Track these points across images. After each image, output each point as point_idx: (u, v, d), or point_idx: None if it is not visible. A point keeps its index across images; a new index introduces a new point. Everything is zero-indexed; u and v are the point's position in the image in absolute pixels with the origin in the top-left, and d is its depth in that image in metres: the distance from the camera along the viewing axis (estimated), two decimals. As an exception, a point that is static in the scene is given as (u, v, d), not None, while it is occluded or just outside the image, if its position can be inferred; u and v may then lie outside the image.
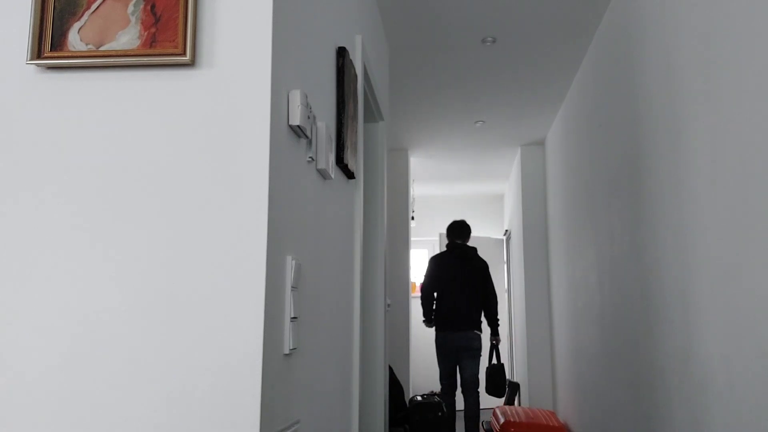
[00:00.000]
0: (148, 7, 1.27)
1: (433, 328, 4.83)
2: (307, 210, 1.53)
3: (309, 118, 1.48)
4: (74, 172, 1.26)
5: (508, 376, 6.59)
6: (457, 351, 4.68)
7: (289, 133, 1.39)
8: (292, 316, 1.34)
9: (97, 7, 1.28)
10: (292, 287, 1.35)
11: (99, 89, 1.29)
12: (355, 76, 2.19)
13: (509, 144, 5.65)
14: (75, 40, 1.27)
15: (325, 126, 1.63)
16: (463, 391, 4.70)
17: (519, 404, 5.94)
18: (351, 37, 2.25)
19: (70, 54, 1.26)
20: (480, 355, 4.73)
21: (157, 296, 1.21)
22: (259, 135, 1.24)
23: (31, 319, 1.22)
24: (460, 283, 4.73)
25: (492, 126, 5.11)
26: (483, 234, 7.79)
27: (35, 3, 1.28)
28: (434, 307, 4.82)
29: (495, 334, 4.85)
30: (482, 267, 4.81)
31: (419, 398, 4.55)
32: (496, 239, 7.28)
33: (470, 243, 5.16)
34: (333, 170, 1.78)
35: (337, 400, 1.89)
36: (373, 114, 2.95)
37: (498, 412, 4.76)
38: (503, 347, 6.66)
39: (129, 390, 1.19)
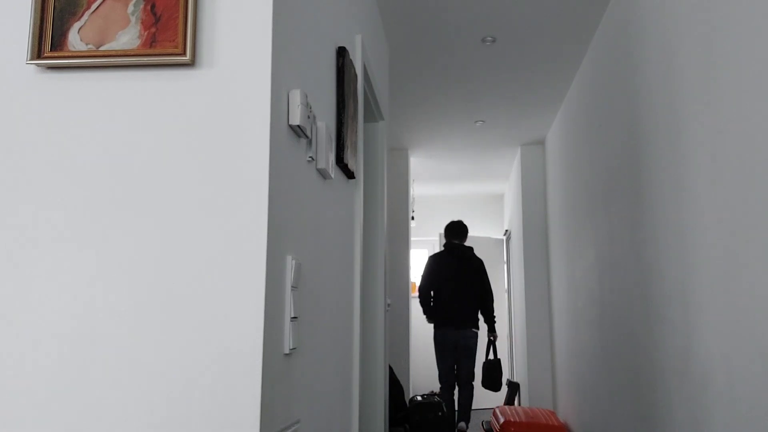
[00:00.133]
0: (148, 7, 1.27)
1: (433, 324, 4.97)
2: (307, 210, 1.53)
3: (309, 117, 1.48)
4: (74, 172, 1.26)
5: (508, 376, 6.61)
6: (455, 348, 4.82)
7: (289, 133, 1.39)
8: (292, 315, 1.34)
9: (97, 7, 1.28)
10: (292, 287, 1.35)
11: (99, 89, 1.29)
12: (355, 76, 2.19)
13: (509, 144, 5.65)
14: (75, 40, 1.27)
15: (325, 126, 1.63)
16: (458, 385, 4.90)
17: (519, 404, 5.94)
18: (351, 37, 2.25)
19: (70, 54, 1.26)
20: (476, 353, 4.90)
21: (157, 296, 1.21)
22: (259, 135, 1.24)
23: (31, 318, 1.22)
24: (458, 282, 4.87)
25: (492, 126, 5.12)
26: (483, 234, 7.79)
27: (35, 3, 1.28)
28: (432, 304, 4.96)
29: (492, 331, 5.01)
30: (479, 266, 4.96)
31: (419, 398, 4.57)
32: (496, 239, 7.28)
33: (470, 243, 5.26)
34: (333, 170, 1.78)
35: (337, 400, 1.89)
36: (373, 114, 2.95)
37: (498, 411, 4.76)
38: (500, 344, 6.69)
39: (129, 390, 1.19)
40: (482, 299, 4.90)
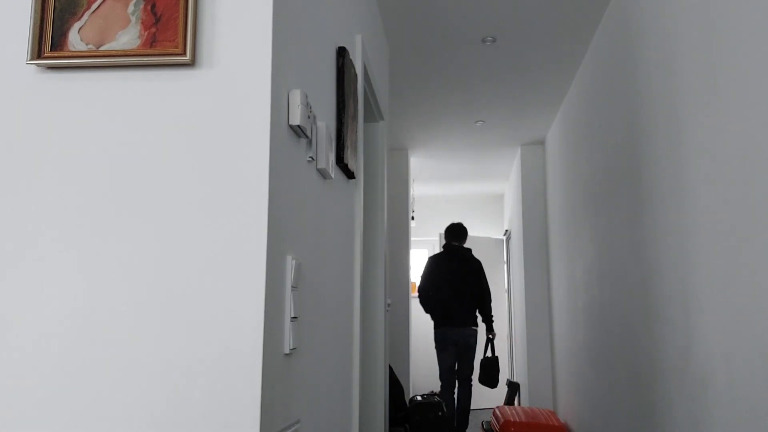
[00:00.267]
0: (148, 7, 1.27)
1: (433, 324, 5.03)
2: (307, 210, 1.53)
3: (309, 117, 1.48)
4: (75, 172, 1.26)
5: (508, 376, 6.62)
6: (456, 346, 4.88)
7: (289, 133, 1.39)
8: (292, 315, 1.34)
9: (98, 7, 1.28)
10: (292, 287, 1.35)
11: (99, 89, 1.29)
12: (355, 75, 2.19)
13: (509, 144, 5.65)
14: (75, 40, 1.27)
15: (325, 126, 1.63)
16: (458, 380, 4.96)
17: (519, 404, 5.94)
18: (351, 37, 2.25)
19: (70, 54, 1.26)
20: (475, 351, 4.99)
21: (157, 295, 1.21)
22: (259, 135, 1.24)
23: (31, 318, 1.22)
24: (457, 282, 4.94)
25: (492, 126, 5.12)
26: (483, 234, 7.79)
27: (35, 3, 1.28)
28: (431, 303, 5.03)
29: (490, 330, 5.06)
30: (477, 266, 5.04)
31: (419, 398, 4.57)
32: (496, 239, 7.28)
33: (470, 243, 5.31)
34: (333, 170, 1.78)
35: (337, 400, 1.89)
36: (373, 114, 2.95)
37: (498, 411, 4.76)
38: (500, 344, 6.72)
39: (129, 390, 1.19)
40: (480, 299, 4.96)
